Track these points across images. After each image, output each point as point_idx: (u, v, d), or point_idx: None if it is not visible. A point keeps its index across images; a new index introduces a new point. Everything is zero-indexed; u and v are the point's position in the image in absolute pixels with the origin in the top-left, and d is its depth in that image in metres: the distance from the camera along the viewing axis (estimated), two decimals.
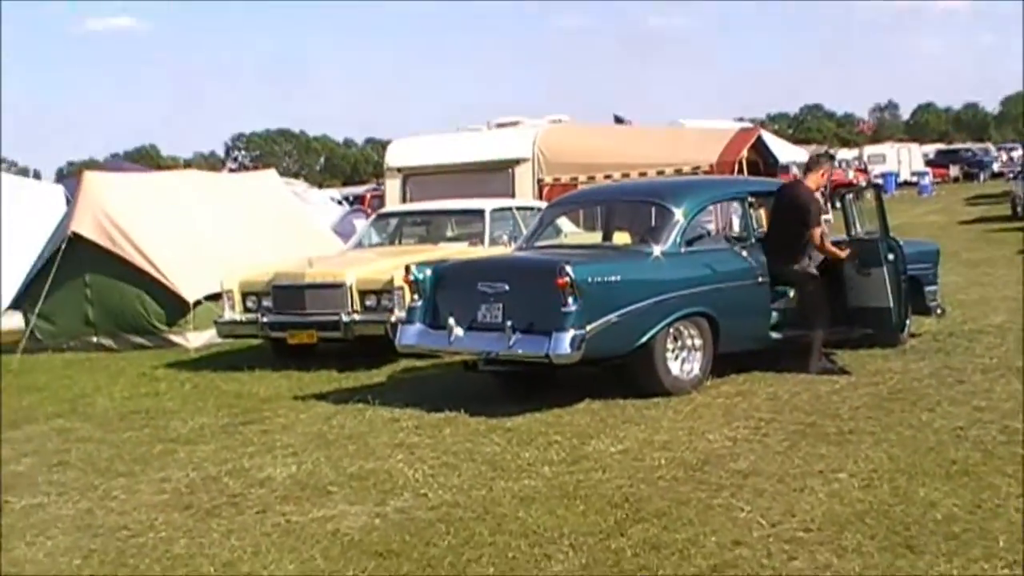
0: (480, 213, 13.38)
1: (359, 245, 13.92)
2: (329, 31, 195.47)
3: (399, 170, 19.17)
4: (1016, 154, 75.94)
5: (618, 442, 7.74)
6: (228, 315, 12.30)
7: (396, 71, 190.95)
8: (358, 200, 39.95)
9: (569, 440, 7.88)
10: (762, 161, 19.43)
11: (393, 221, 14.43)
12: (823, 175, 10.57)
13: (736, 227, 10.49)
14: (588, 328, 8.66)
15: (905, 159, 61.04)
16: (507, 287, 9.15)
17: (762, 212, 10.88)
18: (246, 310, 12.23)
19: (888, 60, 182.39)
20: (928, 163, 62.77)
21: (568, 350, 8.60)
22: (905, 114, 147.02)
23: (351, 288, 11.64)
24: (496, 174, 18.09)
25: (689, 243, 9.73)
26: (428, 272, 9.74)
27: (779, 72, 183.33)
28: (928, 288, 11.27)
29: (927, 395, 8.61)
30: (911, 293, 10.89)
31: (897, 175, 56.48)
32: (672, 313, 9.21)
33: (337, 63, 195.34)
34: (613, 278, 9.05)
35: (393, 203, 18.32)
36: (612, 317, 8.84)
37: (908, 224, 28.94)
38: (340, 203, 33.28)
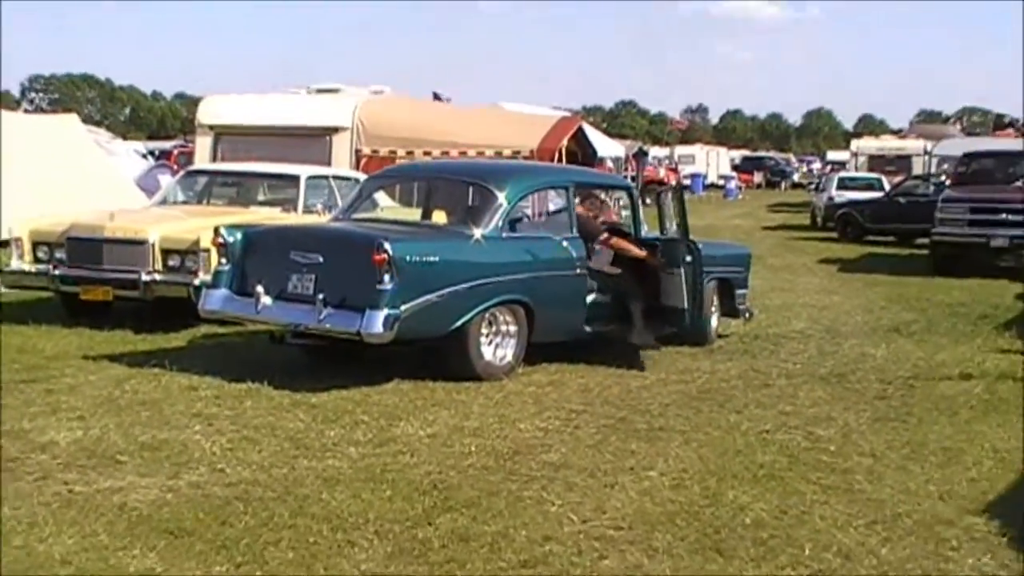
0: (295, 179, 12.93)
1: (164, 202, 13.26)
2: None
3: (211, 127, 18.37)
4: (815, 166, 79.41)
5: (427, 425, 7.52)
6: (16, 264, 11.51)
7: (213, 27, 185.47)
8: (164, 155, 38.49)
9: (376, 420, 7.62)
10: (581, 152, 19.47)
11: (202, 180, 13.79)
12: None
13: (557, 217, 10.36)
14: (403, 308, 8.39)
15: (714, 162, 62.74)
16: (321, 258, 8.81)
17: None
18: (36, 260, 11.48)
19: (701, 65, 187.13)
20: (735, 168, 64.75)
21: (381, 329, 8.31)
22: (714, 118, 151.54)
23: (154, 246, 11.04)
24: (313, 140, 17.54)
25: (510, 228, 9.53)
26: (238, 235, 9.30)
27: (597, 66, 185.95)
28: (739, 291, 11.51)
29: (734, 397, 8.69)
30: (722, 295, 11.23)
31: (705, 177, 58.00)
32: (490, 298, 9.02)
33: (150, 12, 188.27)
34: (432, 258, 8.79)
35: (203, 161, 17.55)
36: (429, 298, 8.58)
37: (714, 226, 29.71)
38: (145, 157, 31.92)
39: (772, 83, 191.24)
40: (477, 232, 9.27)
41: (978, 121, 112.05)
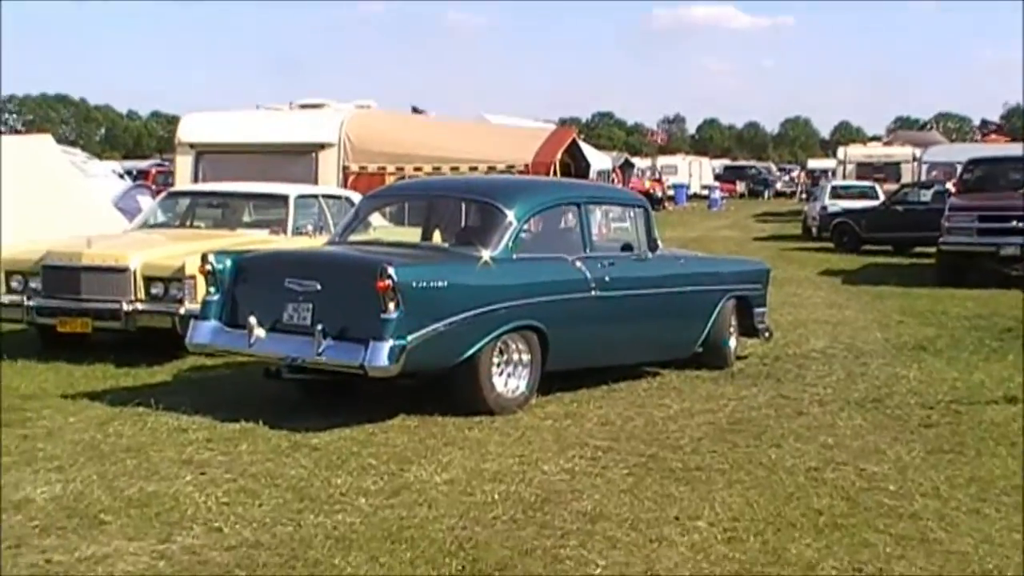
0: (284, 199, 12.24)
1: (145, 225, 12.53)
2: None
3: (192, 146, 17.64)
4: (795, 174, 79.10)
5: (442, 469, 6.83)
6: None
7: (190, 44, 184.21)
8: (142, 175, 37.76)
9: (386, 464, 6.94)
10: (575, 165, 18.86)
11: (185, 201, 13.09)
12: None
13: (569, 235, 9.57)
14: (409, 338, 7.70)
15: (696, 172, 62.33)
16: (319, 286, 8.12)
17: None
18: (10, 291, 10.74)
19: (677, 75, 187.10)
20: (717, 177, 64.31)
21: (386, 362, 7.65)
22: (691, 128, 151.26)
23: (135, 273, 10.34)
24: (299, 158, 16.85)
25: (521, 249, 8.80)
26: (228, 262, 8.60)
27: (572, 77, 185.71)
28: (757, 310, 10.92)
29: (769, 428, 8.04)
30: (741, 314, 10.67)
31: (688, 187, 57.51)
32: (501, 325, 8.34)
33: (125, 30, 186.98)
34: (439, 283, 8.09)
35: (184, 181, 16.86)
36: (437, 326, 7.90)
37: (704, 238, 29.15)
38: (122, 177, 31.12)
39: (748, 92, 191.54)
40: (485, 254, 8.56)
41: (954, 127, 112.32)
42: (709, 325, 10.17)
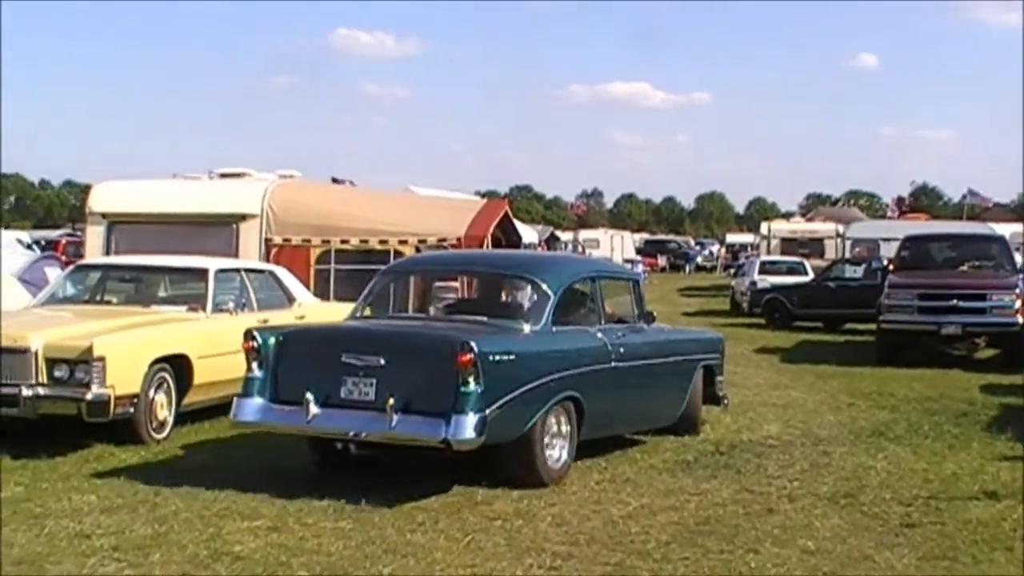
0: (202, 273, 11.39)
1: (51, 300, 11.55)
2: (33, 67, 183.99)
3: (104, 215, 16.59)
4: (714, 248, 79.65)
5: None
6: None
7: (100, 114, 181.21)
8: (51, 245, 36.37)
9: None
10: (506, 238, 18.15)
11: (95, 274, 12.15)
12: None
13: (588, 308, 9.69)
14: (488, 411, 7.81)
15: (618, 245, 61.96)
16: (383, 360, 8.08)
17: None
18: None
19: (595, 150, 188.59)
20: (638, 251, 64.21)
21: (472, 434, 7.73)
22: (609, 203, 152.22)
23: (37, 355, 9.41)
24: (218, 229, 15.88)
25: (556, 323, 8.92)
26: (273, 338, 8.50)
27: (491, 151, 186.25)
28: (719, 378, 11.17)
29: (741, 529, 7.33)
30: (706, 383, 10.88)
31: (611, 261, 57.22)
32: (553, 396, 8.48)
33: (36, 99, 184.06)
34: (510, 356, 8.23)
35: (95, 253, 15.82)
36: (508, 399, 8.00)
37: None
38: (30, 247, 29.78)
39: (664, 167, 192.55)
40: (527, 327, 8.76)
41: (865, 204, 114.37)
42: (689, 392, 10.48)
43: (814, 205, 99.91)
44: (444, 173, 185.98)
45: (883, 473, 9.12)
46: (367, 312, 9.50)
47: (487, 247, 15.90)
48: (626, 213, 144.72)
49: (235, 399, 8.59)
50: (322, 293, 14.78)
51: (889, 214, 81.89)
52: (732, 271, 42.07)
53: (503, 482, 8.22)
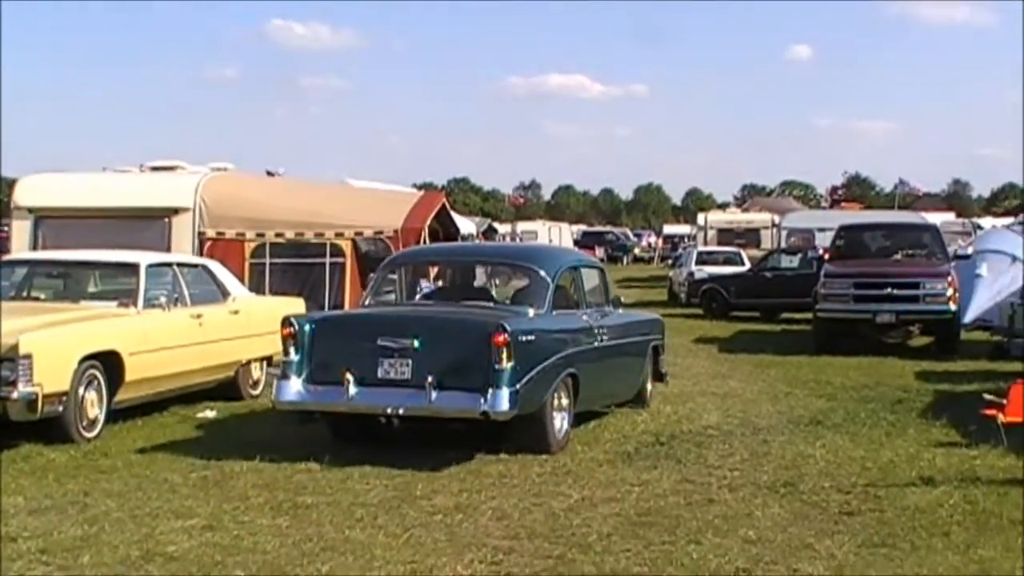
0: (133, 267, 11.17)
1: None
2: None
3: (31, 210, 16.23)
4: (651, 239, 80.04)
5: None
6: None
7: (25, 106, 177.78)
8: None
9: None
10: (444, 231, 18.02)
11: (21, 271, 11.86)
12: None
13: (574, 294, 10.71)
14: (518, 385, 8.70)
15: (556, 237, 62.03)
16: (417, 343, 8.88)
17: None
18: None
19: (532, 142, 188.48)
20: (576, 243, 64.24)
21: (507, 406, 8.63)
22: (547, 194, 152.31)
23: None
24: (150, 223, 15.59)
25: (554, 307, 9.89)
26: (309, 324, 9.29)
27: (427, 143, 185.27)
28: (662, 357, 12.25)
29: (682, 519, 7.30)
30: (652, 362, 11.95)
31: None
32: (561, 371, 9.42)
33: None
34: (532, 337, 9.11)
35: (20, 249, 15.46)
36: (532, 375, 8.92)
37: None
38: None
39: (602, 159, 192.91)
40: (531, 311, 9.64)
41: (799, 194, 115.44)
42: (645, 368, 11.64)
43: (750, 196, 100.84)
44: (381, 165, 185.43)
45: (822, 461, 9.15)
46: (378, 300, 10.31)
47: (424, 240, 15.79)
48: (564, 205, 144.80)
49: (275, 382, 9.30)
50: (257, 287, 14.60)
51: (823, 204, 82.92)
52: (670, 262, 42.26)
53: (520, 450, 9.05)
